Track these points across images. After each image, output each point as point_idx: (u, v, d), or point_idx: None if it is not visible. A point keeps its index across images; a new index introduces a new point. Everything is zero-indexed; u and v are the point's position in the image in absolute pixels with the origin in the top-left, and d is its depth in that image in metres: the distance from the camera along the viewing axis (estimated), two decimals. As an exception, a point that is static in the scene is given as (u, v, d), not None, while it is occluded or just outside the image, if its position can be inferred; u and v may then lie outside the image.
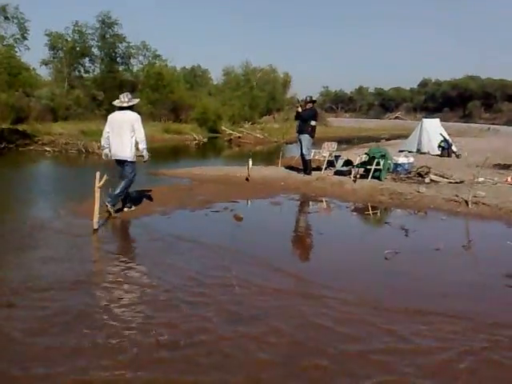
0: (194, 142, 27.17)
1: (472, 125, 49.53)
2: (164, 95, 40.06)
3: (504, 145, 22.04)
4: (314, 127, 11.19)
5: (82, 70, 43.13)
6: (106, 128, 7.53)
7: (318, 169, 12.42)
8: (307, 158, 11.35)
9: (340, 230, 7.40)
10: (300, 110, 11.32)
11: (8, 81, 33.82)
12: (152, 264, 5.29)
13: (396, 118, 71.65)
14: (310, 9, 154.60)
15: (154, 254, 5.66)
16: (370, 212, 8.60)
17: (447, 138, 17.20)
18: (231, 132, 30.89)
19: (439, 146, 16.89)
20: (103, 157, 7.77)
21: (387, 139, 30.84)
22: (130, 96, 7.58)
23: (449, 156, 16.41)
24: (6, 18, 32.12)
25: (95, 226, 6.51)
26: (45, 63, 41.77)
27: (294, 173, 12.03)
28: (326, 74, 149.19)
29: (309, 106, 11.31)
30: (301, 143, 11.25)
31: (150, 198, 8.81)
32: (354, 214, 8.59)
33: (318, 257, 6.02)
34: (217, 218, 7.59)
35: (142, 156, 7.65)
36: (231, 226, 7.22)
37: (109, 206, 7.21)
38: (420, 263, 5.51)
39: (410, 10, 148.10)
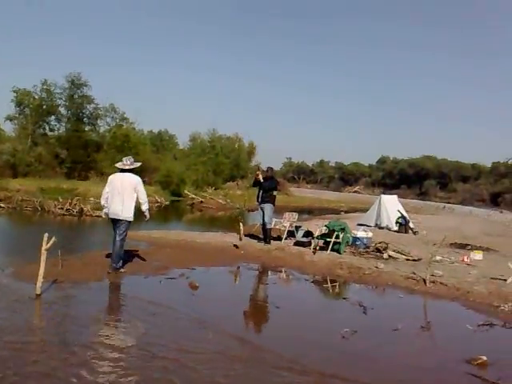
0: (156, 205, 26.78)
1: (428, 202, 51.12)
2: (129, 157, 39.88)
3: (459, 224, 22.69)
4: (275, 197, 11.37)
5: (47, 128, 43.05)
6: (106, 188, 7.87)
7: (279, 238, 12.34)
8: (268, 226, 11.37)
9: (297, 303, 7.13)
10: (261, 179, 11.34)
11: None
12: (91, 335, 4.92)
13: (355, 191, 73.38)
14: (277, 79, 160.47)
15: (95, 324, 5.29)
16: (329, 286, 8.46)
17: (404, 214, 17.55)
18: (194, 196, 30.78)
19: (397, 222, 17.16)
20: (103, 215, 8.20)
21: (346, 211, 31.30)
22: (132, 160, 7.95)
23: (406, 232, 16.64)
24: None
25: (38, 291, 6.09)
26: (9, 119, 41.45)
27: (254, 241, 11.93)
28: (290, 146, 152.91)
29: (269, 175, 11.51)
30: (263, 212, 11.25)
31: (102, 262, 8.43)
32: (313, 287, 8.39)
33: (270, 333, 5.75)
34: (171, 286, 7.27)
35: (145, 216, 7.97)
36: (185, 294, 6.90)
37: (120, 269, 7.85)
38: (378, 344, 5.31)
39: (374, 89, 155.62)
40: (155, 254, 9.72)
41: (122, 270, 7.94)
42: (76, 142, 40.12)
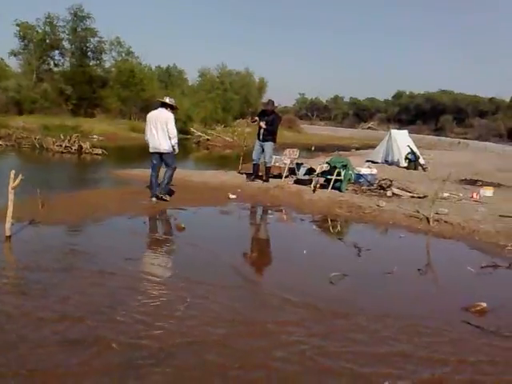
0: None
1: (443, 138, 49.88)
2: (135, 93, 39.03)
3: (472, 159, 21.90)
4: (276, 133, 10.77)
5: (52, 63, 42.02)
6: (146, 126, 8.70)
7: (279, 176, 11.83)
8: (268, 165, 10.87)
9: (288, 245, 6.65)
10: (263, 125, 10.54)
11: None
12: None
13: (369, 128, 71.88)
14: (290, 13, 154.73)
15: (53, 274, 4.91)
16: (325, 225, 8.03)
17: (415, 150, 16.80)
18: (200, 134, 30.12)
19: (406, 158, 16.48)
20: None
21: (357, 148, 30.53)
22: (172, 100, 8.76)
23: (415, 169, 15.98)
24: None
25: (7, 233, 5.69)
26: (14, 54, 40.47)
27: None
28: (303, 82, 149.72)
29: (270, 107, 10.71)
30: (263, 149, 10.68)
31: (90, 202, 8.05)
32: (307, 227, 7.87)
33: (252, 278, 5.30)
34: (155, 227, 6.88)
35: (174, 150, 8.67)
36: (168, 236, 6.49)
37: (163, 196, 8.63)
38: (366, 290, 4.85)
39: (388, 22, 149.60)
40: (146, 194, 9.28)
41: (166, 198, 8.69)
42: (81, 78, 39.10)
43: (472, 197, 10.16)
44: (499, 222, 7.77)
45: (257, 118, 10.79)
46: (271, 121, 10.54)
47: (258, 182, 10.88)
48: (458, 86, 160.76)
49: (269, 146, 10.63)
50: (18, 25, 38.51)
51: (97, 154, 16.91)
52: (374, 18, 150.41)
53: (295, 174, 11.85)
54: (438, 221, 7.94)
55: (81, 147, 17.36)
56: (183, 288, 4.44)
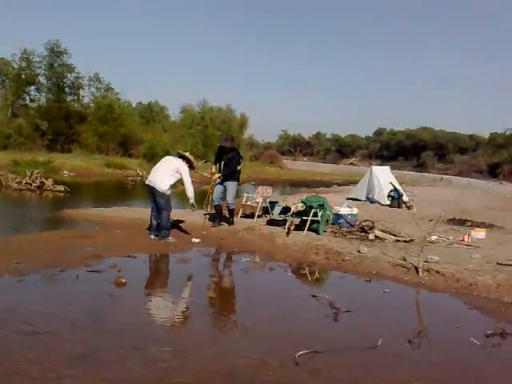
0: (138, 178, 24.93)
1: (426, 174, 49.36)
2: (113, 128, 38.12)
3: (458, 196, 21.07)
4: (239, 171, 9.60)
5: (28, 99, 41.07)
6: None
7: (252, 216, 10.74)
8: (231, 207, 9.59)
9: (248, 307, 5.44)
10: (218, 177, 9.37)
11: None
12: None
13: (351, 163, 71.60)
14: (272, 47, 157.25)
15: None
16: (297, 277, 6.91)
17: (398, 187, 15.87)
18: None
19: (389, 196, 15.53)
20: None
21: (339, 184, 29.74)
22: (192, 157, 8.59)
23: (399, 207, 15.00)
24: None
25: None
26: (-12, 89, 39.38)
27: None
28: (285, 118, 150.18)
29: (228, 144, 9.33)
30: (225, 190, 9.42)
31: (20, 250, 6.82)
32: (276, 279, 6.69)
33: (202, 356, 4.11)
34: (85, 284, 5.59)
35: (191, 204, 8.43)
36: (98, 298, 5.18)
37: (165, 240, 8.23)
38: (341, 375, 3.70)
39: (366, 59, 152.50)
40: (94, 238, 8.10)
41: (169, 239, 8.32)
42: (57, 113, 38.19)
43: (463, 240, 9.13)
44: (499, 272, 6.67)
45: (214, 171, 9.48)
46: (231, 159, 9.31)
47: (225, 225, 9.66)
48: (439, 122, 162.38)
49: (231, 185, 9.39)
50: (-7, 60, 37.67)
51: (58, 191, 15.68)
52: (354, 58, 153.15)
53: (269, 214, 10.78)
54: (428, 271, 6.85)
55: (43, 183, 16.12)
56: None
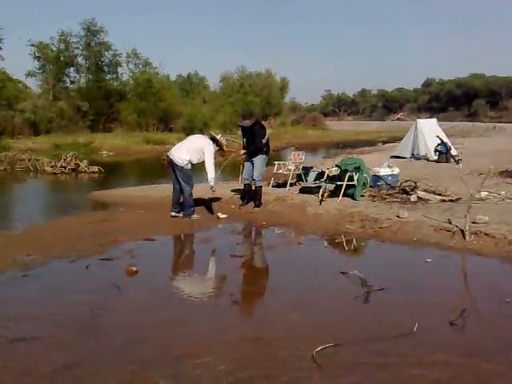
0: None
1: (477, 124, 46.68)
2: (152, 103, 37.94)
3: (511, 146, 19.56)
4: (267, 143, 8.69)
5: (68, 81, 41.42)
6: None
7: (284, 185, 10.11)
8: (258, 184, 8.58)
9: (271, 292, 4.87)
10: (242, 152, 8.74)
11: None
12: None
13: (398, 119, 68.90)
14: (309, 8, 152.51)
15: None
16: (328, 251, 6.29)
17: (445, 140, 14.75)
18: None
19: (436, 151, 14.46)
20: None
21: (384, 142, 28.46)
22: (223, 140, 8.32)
23: (447, 161, 13.95)
24: (-23, 27, 30.40)
25: None
26: (30, 74, 39.91)
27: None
28: (328, 78, 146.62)
29: (246, 123, 8.33)
30: (253, 166, 8.52)
31: (36, 239, 6.54)
32: (303, 255, 6.04)
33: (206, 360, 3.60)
34: (93, 276, 5.18)
35: (211, 187, 7.93)
36: (105, 289, 4.68)
37: (193, 217, 7.89)
38: (368, 375, 3.11)
39: (412, 10, 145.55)
40: (116, 220, 7.73)
41: (193, 217, 7.93)
42: (97, 93, 38.37)
43: (517, 195, 8.22)
44: (560, 231, 5.85)
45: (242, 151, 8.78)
46: (253, 135, 8.41)
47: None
48: (490, 67, 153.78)
49: (258, 160, 8.50)
50: (32, 45, 37.95)
51: (93, 173, 15.52)
52: (397, 8, 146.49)
53: (304, 181, 10.13)
54: (475, 233, 6.10)
55: (78, 165, 16.00)
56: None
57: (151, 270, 5.42)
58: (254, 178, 8.51)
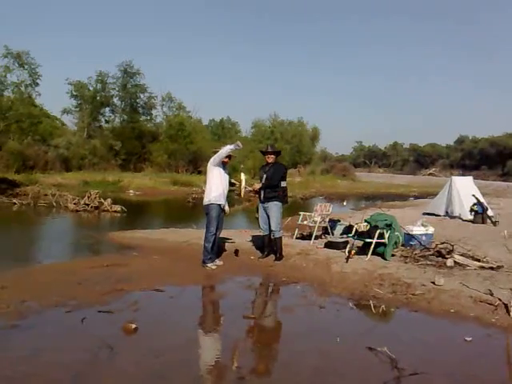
0: (202, 195, 24.30)
1: (512, 184, 45.41)
2: (183, 145, 38.29)
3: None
4: (285, 189, 8.01)
5: (103, 120, 42.33)
6: None
7: (309, 237, 9.52)
8: (277, 235, 7.87)
9: (282, 369, 4.14)
10: (257, 186, 7.95)
11: (24, 128, 32.83)
12: None
13: (430, 174, 67.82)
14: (344, 60, 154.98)
15: None
16: (354, 318, 5.61)
17: (482, 200, 13.97)
18: (235, 182, 28.31)
19: (471, 210, 13.68)
20: None
21: (416, 197, 27.65)
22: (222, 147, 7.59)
23: (483, 222, 13.14)
24: (21, 65, 31.44)
25: None
26: (66, 112, 40.98)
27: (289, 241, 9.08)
28: (359, 130, 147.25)
29: (271, 158, 7.91)
30: (267, 215, 7.88)
31: (35, 283, 6.08)
32: (325, 323, 5.41)
33: None
34: (85, 333, 4.61)
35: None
36: (96, 350, 4.10)
37: (208, 266, 7.37)
38: None
39: (447, 65, 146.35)
40: (126, 266, 7.24)
41: (208, 266, 7.41)
42: (130, 133, 39.12)
43: None
44: None
45: (257, 186, 8.02)
46: (272, 172, 7.82)
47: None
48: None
49: (274, 208, 7.77)
50: (70, 83, 39.04)
51: (115, 212, 15.25)
52: (431, 63, 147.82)
53: (330, 234, 9.54)
54: (523, 309, 5.36)
55: (101, 204, 15.77)
56: None
57: (152, 328, 4.83)
58: (273, 229, 7.84)
